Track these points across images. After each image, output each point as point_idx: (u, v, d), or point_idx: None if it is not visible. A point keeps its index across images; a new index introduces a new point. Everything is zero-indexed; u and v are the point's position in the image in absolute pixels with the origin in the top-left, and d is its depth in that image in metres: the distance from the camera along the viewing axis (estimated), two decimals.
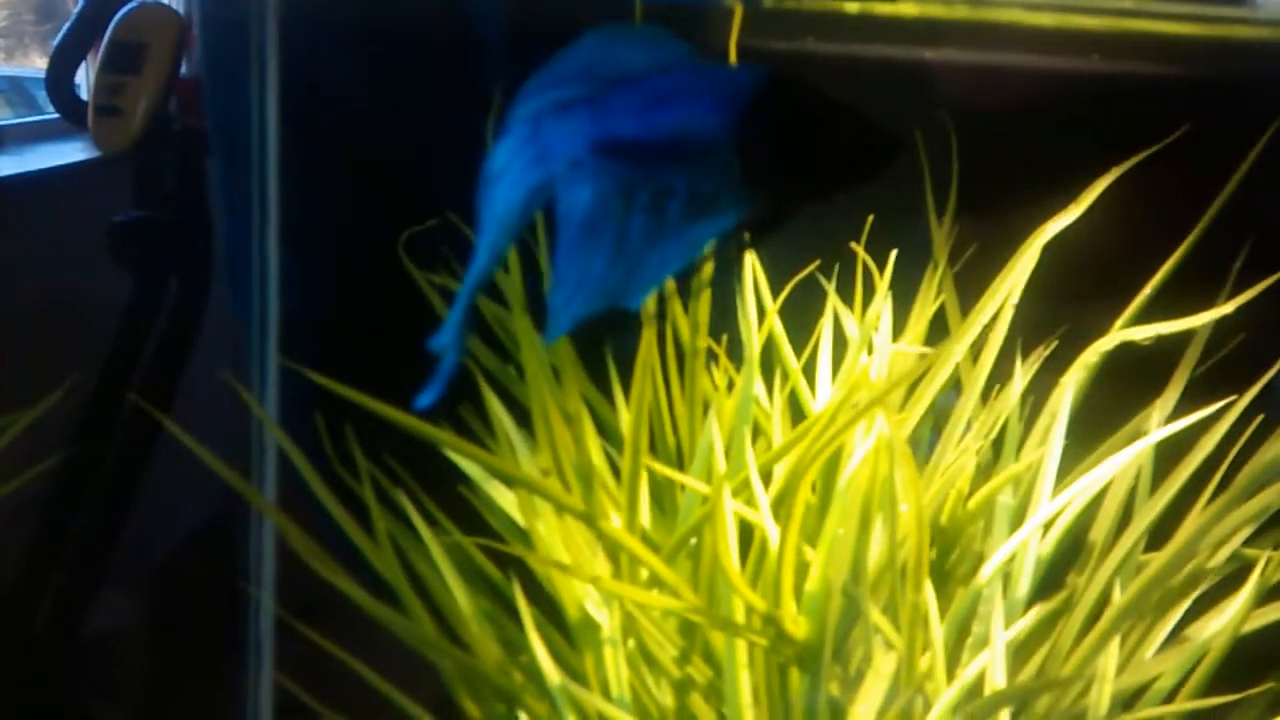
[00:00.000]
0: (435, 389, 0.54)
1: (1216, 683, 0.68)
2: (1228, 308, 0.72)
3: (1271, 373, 0.70)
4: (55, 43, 1.18)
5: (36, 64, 1.63)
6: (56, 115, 1.19)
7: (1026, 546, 0.71)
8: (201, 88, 1.09)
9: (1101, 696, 0.67)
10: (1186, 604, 0.71)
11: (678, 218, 0.53)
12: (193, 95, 1.12)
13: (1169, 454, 0.77)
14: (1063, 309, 0.82)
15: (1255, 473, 0.68)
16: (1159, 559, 0.67)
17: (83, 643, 1.10)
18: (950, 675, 0.68)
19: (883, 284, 0.73)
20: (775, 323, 0.78)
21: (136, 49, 1.09)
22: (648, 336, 0.69)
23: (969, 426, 0.75)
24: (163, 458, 1.11)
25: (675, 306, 0.76)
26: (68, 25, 1.17)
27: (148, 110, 1.09)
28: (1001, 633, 0.62)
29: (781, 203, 0.56)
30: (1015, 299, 0.73)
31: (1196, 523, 0.67)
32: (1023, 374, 0.74)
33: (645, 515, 0.76)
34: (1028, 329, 0.80)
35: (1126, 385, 0.81)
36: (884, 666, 0.65)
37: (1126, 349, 0.78)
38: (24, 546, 1.09)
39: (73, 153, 1.28)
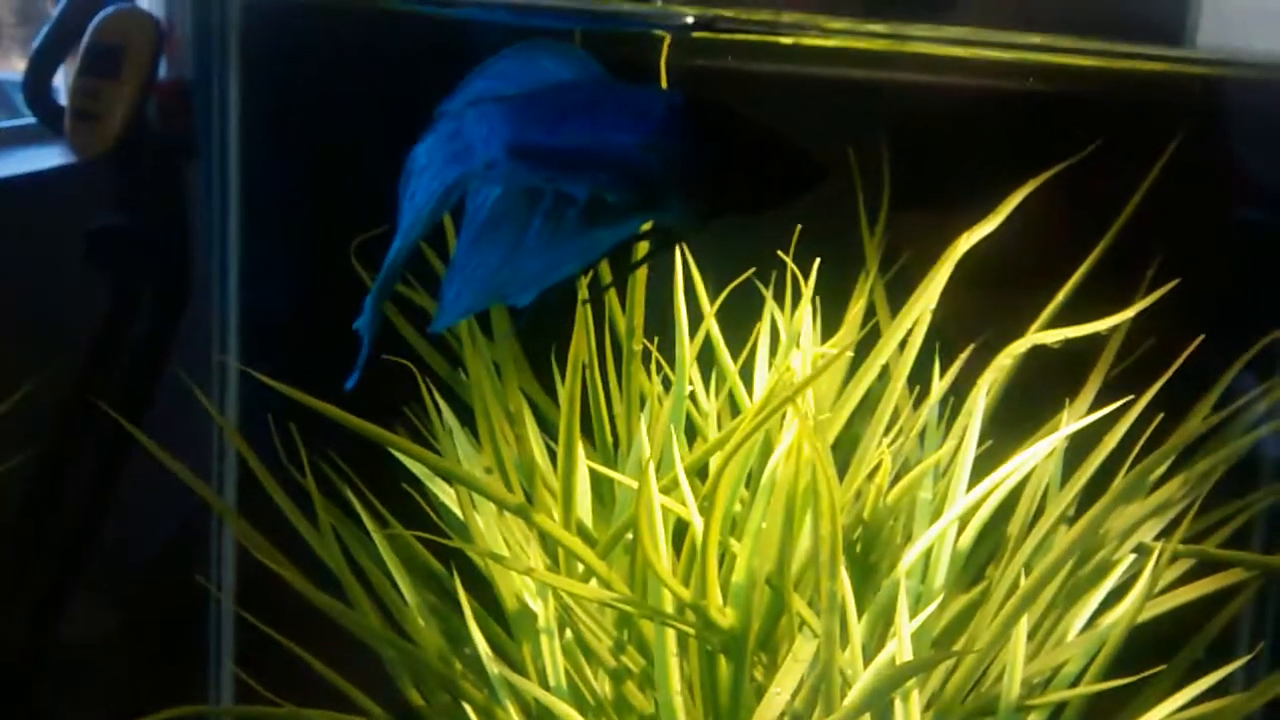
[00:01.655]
0: (356, 374, 0.58)
1: (1121, 667, 0.72)
2: (1129, 313, 0.75)
3: (1169, 373, 0.74)
4: (33, 46, 1.19)
5: (16, 67, 1.65)
6: (34, 120, 1.20)
7: (944, 539, 0.74)
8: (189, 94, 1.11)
9: (1012, 680, 0.71)
10: (1097, 595, 0.75)
11: (574, 224, 0.56)
12: (171, 99, 1.13)
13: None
14: (994, 313, 0.86)
15: (1146, 468, 0.71)
16: (1057, 547, 0.70)
17: (54, 646, 1.13)
18: (869, 662, 0.71)
19: (808, 290, 0.76)
20: (713, 326, 0.81)
21: (113, 53, 1.10)
22: (578, 336, 0.72)
23: (892, 424, 0.78)
24: (135, 461, 1.14)
25: (614, 307, 0.79)
26: (45, 29, 1.18)
27: (125, 115, 1.09)
28: (907, 620, 0.65)
29: (698, 215, 0.59)
30: (933, 305, 0.77)
31: (1090, 515, 0.71)
32: (944, 378, 0.78)
33: (586, 510, 0.80)
34: (960, 331, 0.84)
35: (1058, 387, 0.85)
36: (802, 652, 0.68)
37: (1054, 353, 0.82)
38: None
39: (50, 158, 1.30)
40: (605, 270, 0.77)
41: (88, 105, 1.10)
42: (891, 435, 0.77)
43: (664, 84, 0.75)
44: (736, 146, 0.58)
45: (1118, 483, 0.72)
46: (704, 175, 0.57)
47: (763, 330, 0.82)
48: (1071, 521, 0.75)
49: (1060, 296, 0.78)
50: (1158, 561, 0.69)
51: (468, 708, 0.76)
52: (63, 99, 1.17)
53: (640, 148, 0.56)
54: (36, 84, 1.19)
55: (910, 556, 0.73)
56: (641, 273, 0.78)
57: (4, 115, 1.66)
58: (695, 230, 0.58)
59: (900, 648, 0.66)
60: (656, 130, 0.56)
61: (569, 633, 0.76)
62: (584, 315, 0.72)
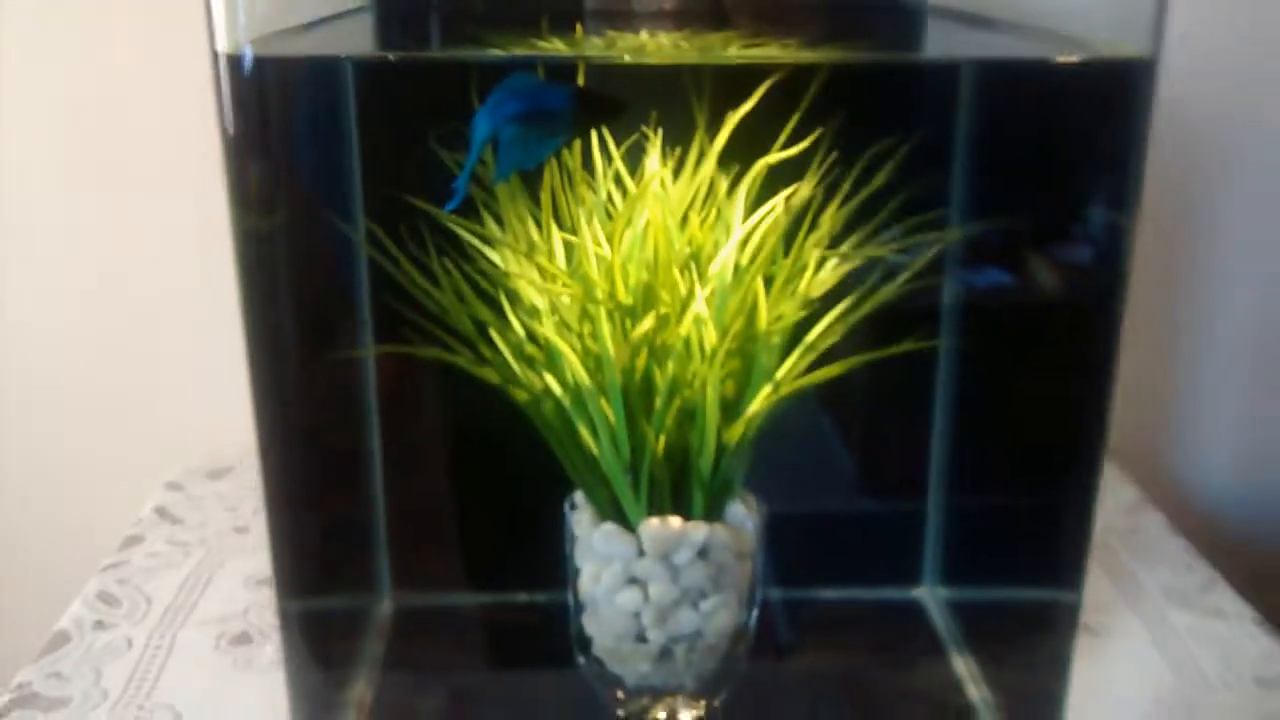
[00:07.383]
0: (453, 205, 1.41)
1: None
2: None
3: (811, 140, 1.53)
4: None
5: None
6: None
7: (728, 264, 1.56)
8: None
9: (760, 321, 1.52)
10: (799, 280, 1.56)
11: (535, 141, 1.39)
12: None
13: None
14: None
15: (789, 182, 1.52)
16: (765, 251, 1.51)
17: None
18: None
19: (658, 138, 1.57)
20: (620, 168, 1.62)
21: None
22: (550, 174, 1.52)
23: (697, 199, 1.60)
24: None
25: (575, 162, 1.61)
26: None
27: None
28: (702, 295, 1.47)
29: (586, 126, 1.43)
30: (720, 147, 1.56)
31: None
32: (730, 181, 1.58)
33: (562, 261, 1.61)
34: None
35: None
36: (661, 310, 1.50)
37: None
38: None
39: None
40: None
41: None
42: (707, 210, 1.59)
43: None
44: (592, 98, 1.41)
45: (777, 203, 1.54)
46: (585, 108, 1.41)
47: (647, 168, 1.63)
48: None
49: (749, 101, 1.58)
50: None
51: (502, 344, 1.59)
52: None
53: (561, 102, 1.39)
54: None
55: (715, 267, 1.55)
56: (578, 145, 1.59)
57: None
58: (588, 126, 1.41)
59: (704, 301, 1.49)
60: (565, 96, 1.39)
61: (557, 318, 1.59)
62: (553, 168, 1.52)
